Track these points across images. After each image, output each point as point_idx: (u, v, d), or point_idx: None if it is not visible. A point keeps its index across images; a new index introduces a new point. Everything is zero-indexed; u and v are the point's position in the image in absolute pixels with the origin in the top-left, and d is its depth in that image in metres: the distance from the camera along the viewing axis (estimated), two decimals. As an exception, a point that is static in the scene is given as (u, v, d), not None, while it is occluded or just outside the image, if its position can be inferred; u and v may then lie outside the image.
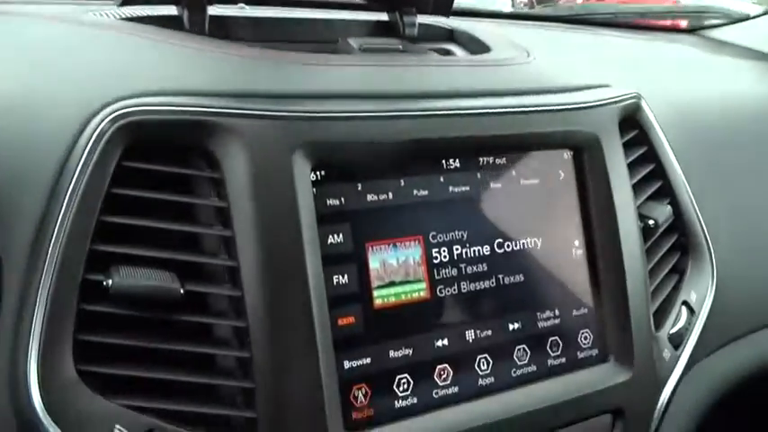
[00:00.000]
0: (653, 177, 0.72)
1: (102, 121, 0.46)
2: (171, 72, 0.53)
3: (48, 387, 0.43)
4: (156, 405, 0.46)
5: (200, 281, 0.48)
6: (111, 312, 0.46)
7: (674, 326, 0.68)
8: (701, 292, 0.73)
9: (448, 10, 0.71)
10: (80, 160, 0.46)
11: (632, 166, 0.68)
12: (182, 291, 0.46)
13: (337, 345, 0.50)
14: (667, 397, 0.66)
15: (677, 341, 0.68)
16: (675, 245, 0.73)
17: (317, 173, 0.51)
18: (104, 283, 0.45)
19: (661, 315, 0.68)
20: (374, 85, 0.57)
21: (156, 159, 0.48)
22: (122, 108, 0.47)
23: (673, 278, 0.72)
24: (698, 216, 0.75)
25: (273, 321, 0.48)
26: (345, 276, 0.52)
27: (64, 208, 0.45)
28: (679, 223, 0.74)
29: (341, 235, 0.52)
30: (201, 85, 0.51)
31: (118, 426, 0.44)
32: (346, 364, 0.51)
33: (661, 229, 0.70)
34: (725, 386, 0.81)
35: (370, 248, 0.53)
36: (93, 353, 0.46)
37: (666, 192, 0.73)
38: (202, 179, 0.49)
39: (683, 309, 0.70)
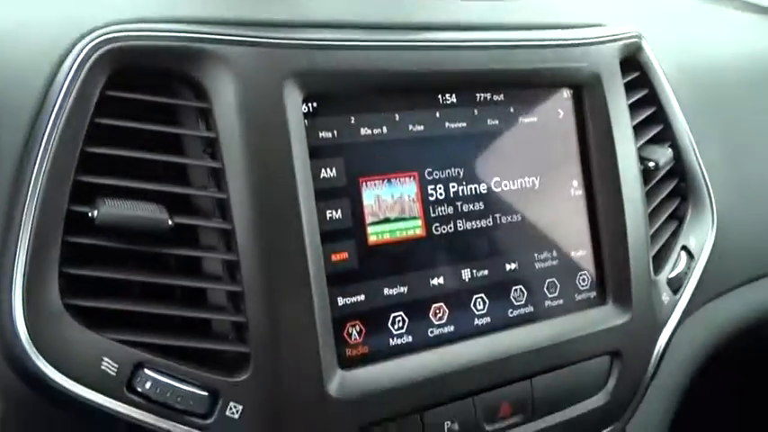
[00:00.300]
0: (653, 120, 0.71)
1: (85, 47, 0.44)
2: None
3: (33, 318, 0.42)
4: (146, 339, 0.45)
5: (189, 214, 0.47)
6: (98, 245, 0.44)
7: (673, 270, 0.67)
8: (700, 238, 0.72)
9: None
10: (62, 88, 0.44)
11: (633, 108, 0.67)
12: (170, 222, 0.45)
13: (331, 280, 0.49)
14: (665, 341, 0.65)
15: (676, 285, 0.67)
16: (675, 190, 0.72)
17: (309, 104, 0.50)
18: (90, 215, 0.44)
19: (660, 259, 0.67)
20: (369, 15, 0.54)
21: (141, 89, 0.46)
22: (105, 34, 0.45)
23: (672, 224, 0.71)
24: (698, 161, 0.74)
25: (265, 255, 0.46)
26: (339, 211, 0.50)
27: (46, 137, 0.44)
28: (679, 168, 0.72)
29: (334, 169, 0.50)
30: (188, 11, 0.49)
31: (106, 358, 0.43)
32: (340, 301, 0.50)
33: (662, 173, 0.69)
34: (723, 335, 0.81)
35: (363, 184, 0.51)
36: (81, 286, 0.44)
37: (667, 136, 0.72)
38: (189, 109, 0.48)
39: (683, 254, 0.69)
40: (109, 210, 0.44)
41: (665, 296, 0.66)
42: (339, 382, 0.48)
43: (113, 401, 0.43)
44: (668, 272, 0.67)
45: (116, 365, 0.43)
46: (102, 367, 0.43)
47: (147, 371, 0.44)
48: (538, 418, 0.56)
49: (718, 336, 0.80)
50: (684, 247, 0.70)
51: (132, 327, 0.45)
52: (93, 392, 0.43)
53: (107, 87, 0.45)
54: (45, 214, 0.43)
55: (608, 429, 0.63)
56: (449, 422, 0.52)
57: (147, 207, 0.45)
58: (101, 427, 0.46)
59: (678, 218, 0.72)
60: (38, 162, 0.43)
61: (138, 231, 0.44)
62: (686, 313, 0.69)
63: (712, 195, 0.74)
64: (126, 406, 0.44)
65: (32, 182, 0.43)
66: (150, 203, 0.45)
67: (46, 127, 0.44)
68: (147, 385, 0.44)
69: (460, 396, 0.52)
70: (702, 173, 0.74)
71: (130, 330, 0.45)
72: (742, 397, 1.15)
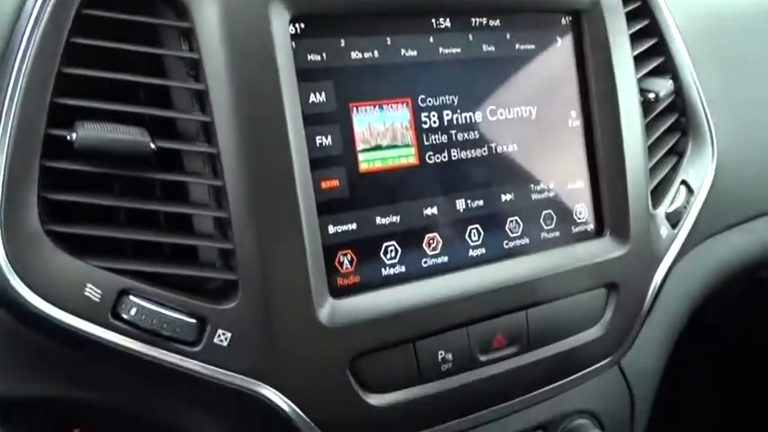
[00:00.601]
0: (654, 52, 0.69)
1: None
2: None
3: (11, 242, 0.41)
4: (131, 266, 0.44)
5: (172, 139, 0.45)
6: (78, 170, 0.43)
7: (671, 205, 0.66)
8: (700, 173, 0.70)
9: None
10: (34, 5, 0.42)
11: (633, 39, 0.64)
12: (152, 146, 0.43)
13: (321, 208, 0.48)
14: (663, 275, 0.64)
15: (675, 220, 0.66)
16: (675, 125, 0.71)
17: (297, 25, 0.48)
18: (68, 138, 0.42)
19: (659, 193, 0.66)
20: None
21: (119, 7, 0.44)
22: None
23: (672, 158, 0.70)
24: (700, 95, 0.72)
25: (252, 180, 0.45)
26: (328, 137, 0.49)
27: (20, 56, 0.42)
28: (679, 102, 0.71)
29: (323, 93, 0.48)
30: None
31: (89, 285, 0.42)
32: (331, 229, 0.49)
33: (662, 105, 0.67)
34: (720, 273, 0.80)
35: (354, 109, 0.50)
36: (63, 213, 0.43)
37: (668, 68, 0.70)
38: (171, 29, 0.46)
39: (682, 188, 0.68)
40: (88, 133, 0.42)
41: (664, 230, 0.65)
42: (330, 310, 0.47)
43: (98, 328, 0.42)
44: (667, 206, 0.66)
45: (100, 292, 0.42)
46: (86, 293, 0.42)
47: (132, 297, 0.43)
48: (533, 349, 0.56)
49: (716, 274, 0.79)
50: (684, 182, 0.68)
51: (116, 254, 0.44)
52: (77, 319, 0.42)
53: (83, 6, 0.43)
54: (22, 136, 0.42)
55: (603, 363, 0.62)
56: (442, 352, 0.51)
57: (128, 130, 0.43)
58: (88, 357, 0.45)
59: (678, 153, 0.71)
60: (12, 82, 0.42)
61: (120, 155, 0.43)
62: (684, 249, 0.68)
63: (713, 130, 0.72)
64: (111, 333, 0.43)
65: (7, 102, 0.41)
66: (132, 127, 0.44)
67: (20, 47, 0.42)
68: (133, 312, 0.43)
69: (454, 326, 0.52)
70: (703, 107, 0.72)
71: (115, 258, 0.44)
72: (737, 341, 1.15)
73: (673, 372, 0.79)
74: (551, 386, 0.59)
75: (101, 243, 0.44)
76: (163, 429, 0.50)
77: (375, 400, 0.50)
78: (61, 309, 0.42)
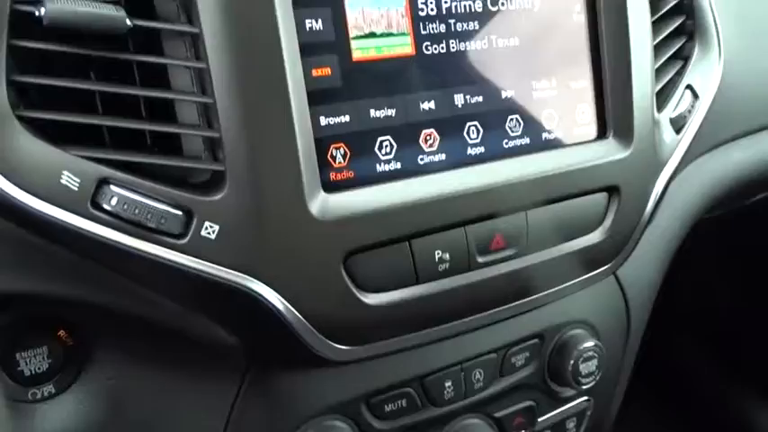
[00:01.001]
0: None
1: None
2: None
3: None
4: (111, 156, 0.41)
5: (150, 18, 0.42)
6: (50, 51, 0.40)
7: (676, 109, 0.64)
8: (706, 78, 0.67)
9: None
10: None
11: None
12: (129, 22, 0.40)
13: (312, 98, 0.45)
14: (665, 182, 0.62)
15: (679, 124, 0.64)
16: (682, 28, 0.67)
17: None
18: (37, 14, 0.39)
19: (664, 97, 0.63)
20: None
21: None
22: None
23: (677, 62, 0.67)
24: None
25: (238, 62, 0.42)
26: (319, 21, 0.45)
27: None
28: (687, 3, 0.67)
29: None
30: None
31: (66, 172, 0.40)
32: (323, 120, 0.46)
33: (670, 3, 0.64)
34: (721, 188, 0.78)
35: (346, -8, 0.46)
36: (35, 98, 0.40)
37: None
38: None
39: (687, 93, 0.65)
40: (57, 6, 0.39)
41: (667, 135, 0.62)
42: (322, 203, 0.45)
43: (77, 218, 0.40)
44: (671, 110, 0.63)
45: (77, 180, 0.40)
46: (63, 182, 0.40)
47: (112, 187, 0.41)
48: (532, 252, 0.54)
49: (717, 188, 0.78)
50: (689, 87, 0.66)
51: (95, 142, 0.41)
52: (54, 208, 0.40)
53: None
54: None
55: (601, 270, 0.61)
56: (439, 252, 0.50)
57: (101, 6, 0.40)
58: (70, 250, 0.43)
59: (683, 57, 0.68)
60: None
61: (94, 34, 0.40)
62: (687, 157, 0.66)
63: (721, 36, 0.69)
64: (92, 223, 0.40)
65: None
66: (106, 3, 0.40)
67: None
68: (114, 201, 0.40)
69: (451, 225, 0.50)
70: (712, 11, 0.69)
71: (93, 146, 0.41)
72: (735, 257, 1.15)
73: (669, 284, 0.78)
74: (549, 291, 0.58)
75: (79, 132, 0.41)
76: (151, 330, 0.48)
77: (370, 299, 0.48)
78: (37, 197, 0.39)
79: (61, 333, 0.48)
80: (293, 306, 0.45)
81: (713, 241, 1.17)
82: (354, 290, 0.47)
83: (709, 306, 1.29)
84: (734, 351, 1.27)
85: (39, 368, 0.48)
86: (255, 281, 0.44)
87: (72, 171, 0.40)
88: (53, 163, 0.40)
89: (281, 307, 0.45)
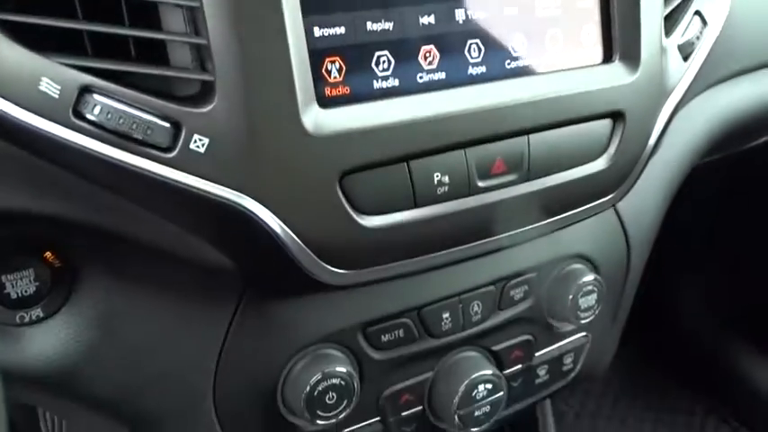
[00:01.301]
0: None
1: None
2: None
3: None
4: (93, 63, 0.39)
5: None
6: None
7: (684, 35, 0.61)
8: (715, 4, 0.65)
9: None
10: None
11: None
12: None
13: (306, 7, 0.43)
14: (670, 110, 0.60)
15: (687, 51, 0.61)
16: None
17: None
18: None
19: (671, 22, 0.61)
20: None
21: None
22: None
23: (686, -12, 0.64)
24: None
25: (226, -35, 0.39)
26: (313, -76, 0.43)
27: None
28: (698, -75, 0.64)
29: None
30: None
31: (45, 78, 0.38)
32: (317, 32, 0.44)
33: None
34: (726, 124, 0.77)
35: None
36: (14, 3, 0.38)
37: None
38: None
39: (696, 18, 0.63)
40: None
41: (674, 61, 0.60)
42: (316, 118, 0.43)
43: (58, 127, 0.38)
44: (679, 36, 0.61)
45: (58, 87, 0.38)
46: (42, 88, 0.38)
47: (95, 96, 0.39)
48: (533, 178, 0.52)
49: (721, 123, 0.76)
50: (698, 12, 0.63)
51: (77, 49, 0.39)
52: (34, 116, 0.38)
53: None
54: None
55: (603, 200, 0.59)
56: (438, 174, 0.48)
57: None
58: (52, 162, 0.41)
59: (693, -17, 0.65)
60: None
61: None
62: (694, 86, 0.64)
63: (731, -40, 0.67)
64: (74, 133, 0.38)
65: None
66: None
67: None
68: (97, 110, 0.38)
69: (451, 146, 0.48)
70: (723, -67, 0.66)
71: (75, 53, 0.39)
72: (735, 197, 1.14)
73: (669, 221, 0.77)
74: (549, 220, 0.56)
75: (60, 40, 0.39)
76: (143, 253, 0.47)
77: (367, 221, 0.46)
78: (14, 103, 0.37)
79: (48, 255, 0.47)
80: (288, 226, 0.44)
81: (711, 188, 1.16)
82: (351, 211, 0.46)
83: (709, 256, 1.29)
84: (733, 305, 1.27)
85: (25, 291, 0.47)
86: (247, 198, 0.42)
87: (52, 78, 0.38)
88: (32, 69, 0.38)
89: (275, 226, 0.43)
